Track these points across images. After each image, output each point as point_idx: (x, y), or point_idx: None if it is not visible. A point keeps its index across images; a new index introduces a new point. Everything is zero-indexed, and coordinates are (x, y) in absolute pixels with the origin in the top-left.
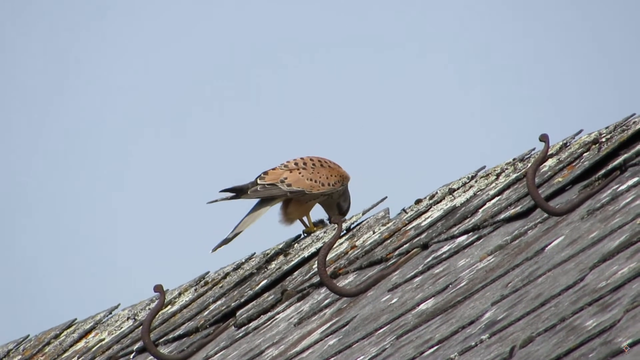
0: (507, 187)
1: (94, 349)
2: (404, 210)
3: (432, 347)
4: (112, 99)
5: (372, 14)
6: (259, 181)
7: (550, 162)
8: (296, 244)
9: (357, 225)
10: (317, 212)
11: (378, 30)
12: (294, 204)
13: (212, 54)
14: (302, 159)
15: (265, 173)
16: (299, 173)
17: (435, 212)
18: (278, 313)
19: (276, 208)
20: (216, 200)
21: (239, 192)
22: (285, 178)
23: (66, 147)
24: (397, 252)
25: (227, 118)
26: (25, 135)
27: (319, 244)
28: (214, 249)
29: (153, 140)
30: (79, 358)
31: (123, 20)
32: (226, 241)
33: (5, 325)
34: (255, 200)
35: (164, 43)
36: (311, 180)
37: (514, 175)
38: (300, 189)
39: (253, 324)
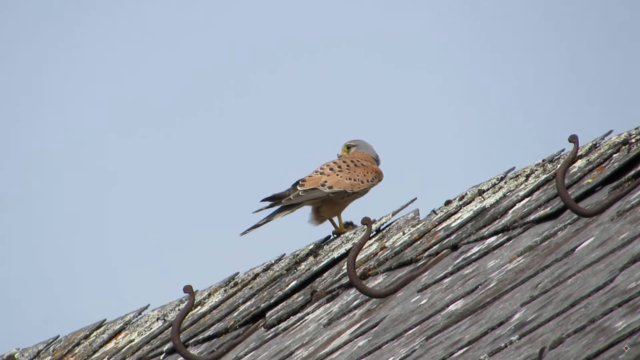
0: (537, 188)
1: (123, 350)
2: (433, 211)
3: (461, 348)
4: (116, 99)
5: (381, 13)
6: (299, 188)
7: (579, 163)
8: (326, 245)
9: (387, 226)
10: (346, 214)
11: (394, 29)
12: (328, 203)
13: (212, 54)
14: (335, 162)
15: (303, 180)
16: (337, 175)
17: (465, 213)
18: (308, 314)
19: (307, 207)
20: (260, 210)
21: (278, 199)
22: (325, 182)
23: (80, 149)
24: (426, 253)
25: (229, 118)
26: (47, 138)
27: (348, 245)
28: (243, 233)
29: (169, 141)
30: (109, 359)
31: (123, 21)
32: (256, 226)
33: (36, 326)
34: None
35: (164, 44)
36: (350, 179)
37: (544, 177)
38: (342, 189)
39: (283, 325)
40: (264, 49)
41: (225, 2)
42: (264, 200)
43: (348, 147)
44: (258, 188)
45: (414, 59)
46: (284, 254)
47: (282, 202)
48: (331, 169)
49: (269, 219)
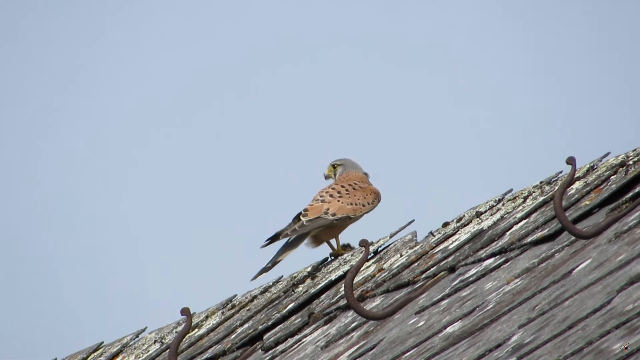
0: (535, 210)
1: None
2: (431, 233)
3: None
4: (123, 102)
5: (389, 16)
6: (302, 218)
7: (577, 185)
8: (323, 267)
9: (385, 248)
10: (344, 236)
11: (401, 40)
12: (328, 227)
13: (212, 56)
14: (332, 188)
15: (306, 210)
16: (338, 201)
17: (463, 235)
18: (305, 336)
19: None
20: (266, 245)
21: (281, 235)
22: (328, 209)
23: (85, 165)
24: (424, 275)
25: (229, 122)
26: (51, 151)
27: (346, 267)
28: (254, 278)
29: (168, 149)
30: None
31: (124, 23)
32: (265, 270)
33: (33, 349)
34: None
35: (166, 45)
36: (352, 204)
37: (541, 198)
38: (345, 215)
39: (280, 347)
40: (264, 50)
41: (225, 4)
42: (268, 240)
43: (334, 167)
44: (255, 206)
45: (414, 78)
46: (282, 276)
47: (288, 234)
48: (331, 196)
49: (275, 262)
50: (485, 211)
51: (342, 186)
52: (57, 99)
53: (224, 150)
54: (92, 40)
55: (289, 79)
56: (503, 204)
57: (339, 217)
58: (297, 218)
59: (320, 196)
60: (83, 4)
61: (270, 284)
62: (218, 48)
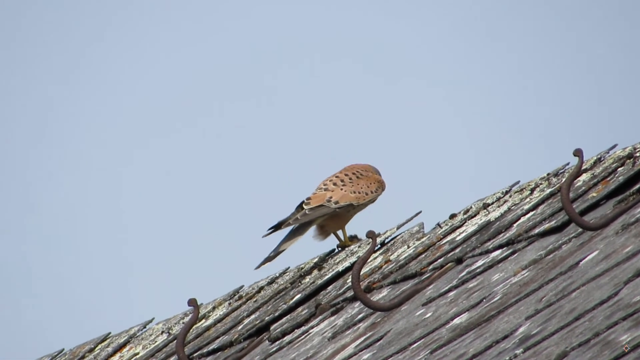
0: (542, 201)
1: None
2: (438, 224)
3: None
4: (125, 104)
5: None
6: (305, 207)
7: (584, 176)
8: (330, 259)
9: (392, 239)
10: (351, 227)
11: (398, 39)
12: (333, 218)
13: (217, 56)
14: (336, 176)
15: (309, 199)
16: (341, 189)
17: (470, 227)
18: (312, 327)
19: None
20: (269, 234)
21: (283, 224)
22: (331, 197)
23: (90, 160)
24: (431, 267)
25: (230, 123)
26: (54, 150)
27: (353, 258)
28: (257, 267)
29: (171, 147)
30: None
31: (124, 23)
32: (269, 259)
33: (41, 339)
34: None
35: (165, 46)
36: (354, 192)
37: (549, 190)
38: (348, 202)
39: (287, 338)
40: (266, 51)
41: (226, 5)
42: (270, 229)
43: None
44: (262, 197)
45: (418, 70)
46: (289, 267)
47: (290, 223)
48: (335, 184)
49: (278, 251)
50: (493, 203)
51: (346, 174)
52: (57, 98)
53: (227, 144)
54: (92, 41)
55: (291, 77)
56: (510, 196)
57: (341, 205)
58: (300, 207)
59: (324, 185)
60: (84, 4)
61: (277, 274)
62: (218, 48)
